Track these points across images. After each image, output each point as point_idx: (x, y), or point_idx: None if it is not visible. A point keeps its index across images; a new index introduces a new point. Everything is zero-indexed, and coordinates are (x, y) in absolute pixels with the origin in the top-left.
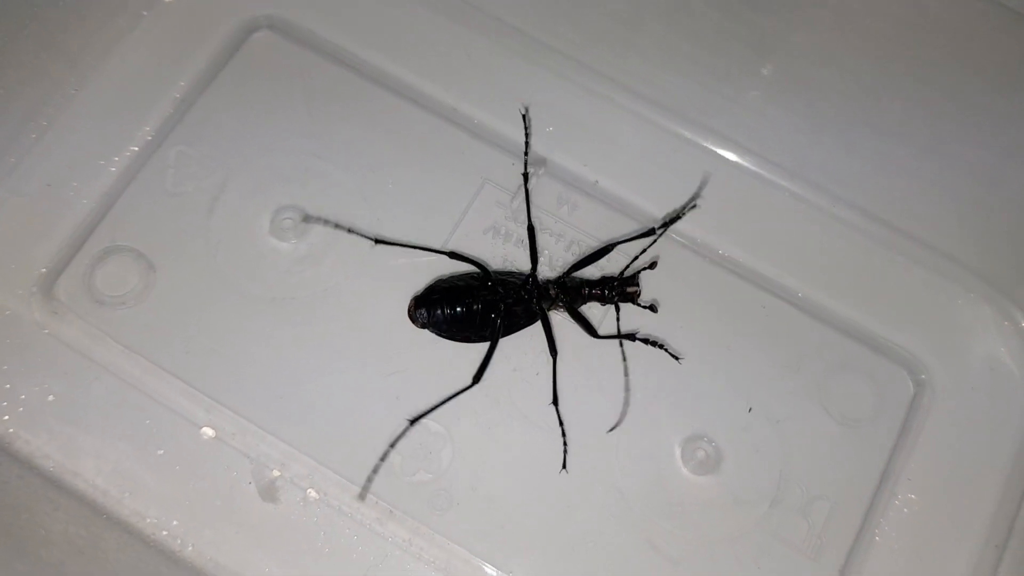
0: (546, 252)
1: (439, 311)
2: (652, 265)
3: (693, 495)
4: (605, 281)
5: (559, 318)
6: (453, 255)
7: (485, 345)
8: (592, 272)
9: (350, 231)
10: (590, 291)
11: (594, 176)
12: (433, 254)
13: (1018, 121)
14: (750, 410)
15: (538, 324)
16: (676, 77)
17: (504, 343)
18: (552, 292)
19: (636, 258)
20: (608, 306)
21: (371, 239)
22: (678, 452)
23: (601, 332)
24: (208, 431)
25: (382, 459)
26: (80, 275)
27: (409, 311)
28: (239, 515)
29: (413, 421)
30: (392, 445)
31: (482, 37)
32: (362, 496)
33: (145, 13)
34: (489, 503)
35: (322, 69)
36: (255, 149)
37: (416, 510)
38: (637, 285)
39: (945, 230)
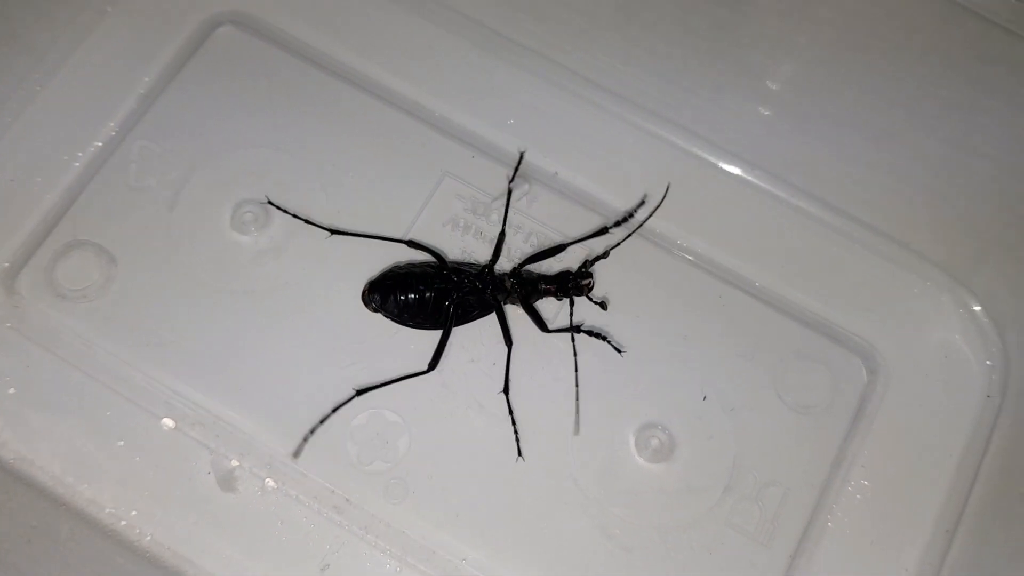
0: (504, 244)
1: (392, 297)
2: (605, 254)
3: (647, 483)
4: (561, 276)
5: (515, 311)
6: (411, 244)
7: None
8: (549, 264)
9: (307, 222)
10: (545, 286)
11: (553, 167)
12: (391, 244)
13: (964, 111)
14: (704, 398)
15: (493, 315)
16: (635, 69)
17: (461, 334)
18: (508, 284)
19: (598, 256)
20: (563, 301)
21: (327, 230)
22: (632, 440)
23: (553, 326)
24: (168, 422)
25: (321, 421)
26: (42, 269)
27: (363, 295)
28: (198, 504)
29: (360, 392)
30: (334, 410)
31: (443, 30)
32: (295, 454)
33: (109, 9)
34: (444, 492)
35: (284, 64)
36: (217, 143)
37: (372, 499)
38: (591, 277)
39: (901, 219)
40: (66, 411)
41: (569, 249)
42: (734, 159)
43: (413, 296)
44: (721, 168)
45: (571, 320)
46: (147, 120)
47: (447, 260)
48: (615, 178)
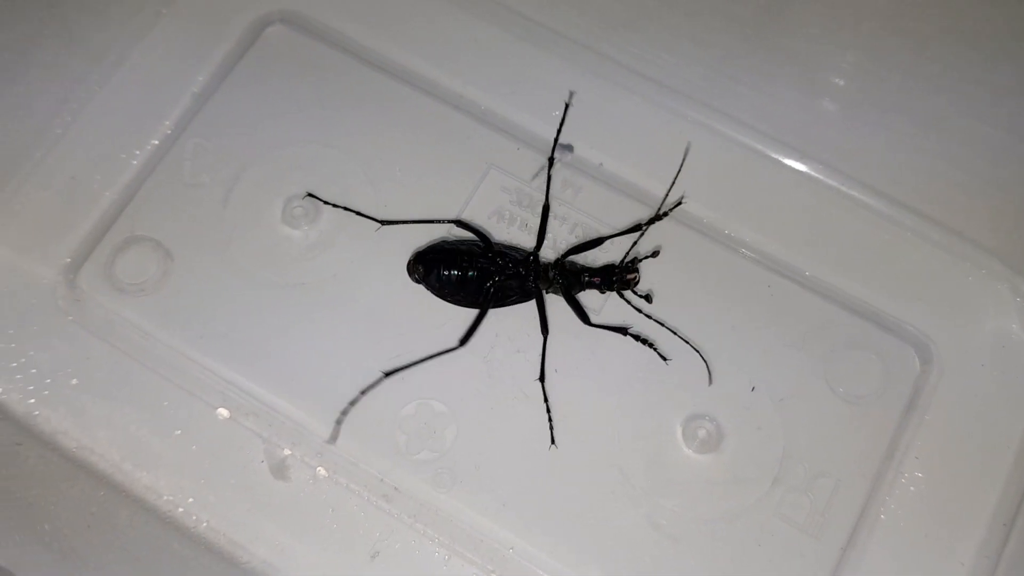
0: (550, 235)
1: (435, 270)
2: (655, 253)
3: (694, 474)
4: (606, 269)
5: (557, 301)
6: (459, 223)
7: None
8: (594, 256)
9: (358, 214)
10: (589, 278)
11: (599, 159)
12: (437, 232)
13: (1016, 96)
14: (753, 389)
15: (533, 303)
16: (680, 57)
17: (507, 324)
18: (551, 274)
19: (646, 256)
20: (606, 294)
21: (377, 222)
22: (679, 431)
23: (599, 318)
24: (223, 412)
25: (351, 403)
26: (102, 264)
27: (408, 265)
28: (252, 492)
29: (388, 373)
30: (363, 392)
31: (487, 23)
32: (331, 440)
33: (164, 11)
34: (492, 481)
35: (333, 60)
36: (268, 140)
37: (420, 488)
38: (636, 272)
39: (954, 207)
40: (125, 401)
41: (615, 242)
42: (783, 147)
43: (456, 272)
44: (770, 157)
45: (635, 308)
46: (201, 118)
47: (492, 242)
48: (661, 168)
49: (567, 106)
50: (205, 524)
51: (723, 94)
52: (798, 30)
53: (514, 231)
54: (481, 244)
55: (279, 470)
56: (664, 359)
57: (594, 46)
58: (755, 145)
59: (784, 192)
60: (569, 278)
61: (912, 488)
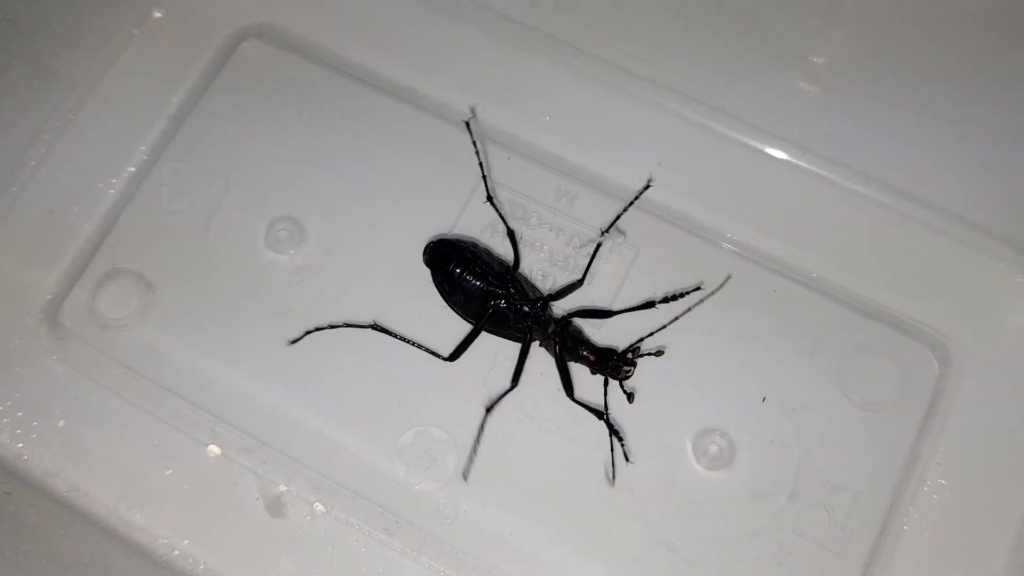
0: (545, 247)
1: (448, 263)
2: (659, 353)
3: (707, 491)
4: (606, 353)
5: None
6: (510, 234)
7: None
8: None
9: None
10: (587, 353)
11: (593, 165)
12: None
13: None
14: (764, 399)
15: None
16: (673, 56)
17: (506, 345)
18: (550, 330)
19: (651, 352)
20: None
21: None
22: (690, 447)
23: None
24: (214, 449)
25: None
26: (83, 300)
27: (427, 246)
28: (248, 531)
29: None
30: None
31: (471, 27)
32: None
33: (136, 31)
34: (497, 510)
35: (312, 74)
36: (248, 160)
37: (423, 520)
38: (633, 366)
39: (969, 198)
40: (115, 441)
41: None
42: (782, 143)
43: (466, 276)
44: (768, 154)
45: (605, 402)
46: (177, 141)
47: (519, 271)
48: (658, 173)
49: (648, 186)
50: (202, 566)
51: (718, 90)
52: (795, 16)
53: (508, 245)
54: (508, 266)
55: (275, 507)
56: (627, 459)
57: (583, 47)
58: (752, 142)
59: (786, 190)
60: (567, 343)
61: (936, 497)
